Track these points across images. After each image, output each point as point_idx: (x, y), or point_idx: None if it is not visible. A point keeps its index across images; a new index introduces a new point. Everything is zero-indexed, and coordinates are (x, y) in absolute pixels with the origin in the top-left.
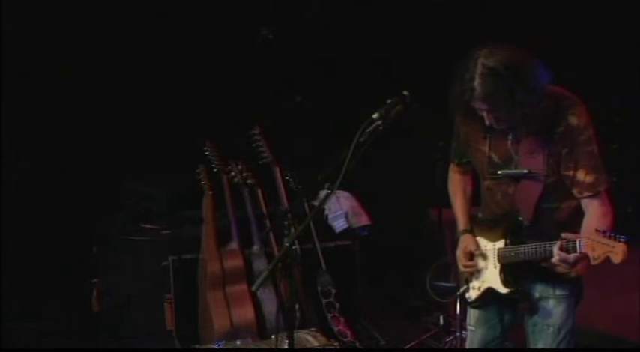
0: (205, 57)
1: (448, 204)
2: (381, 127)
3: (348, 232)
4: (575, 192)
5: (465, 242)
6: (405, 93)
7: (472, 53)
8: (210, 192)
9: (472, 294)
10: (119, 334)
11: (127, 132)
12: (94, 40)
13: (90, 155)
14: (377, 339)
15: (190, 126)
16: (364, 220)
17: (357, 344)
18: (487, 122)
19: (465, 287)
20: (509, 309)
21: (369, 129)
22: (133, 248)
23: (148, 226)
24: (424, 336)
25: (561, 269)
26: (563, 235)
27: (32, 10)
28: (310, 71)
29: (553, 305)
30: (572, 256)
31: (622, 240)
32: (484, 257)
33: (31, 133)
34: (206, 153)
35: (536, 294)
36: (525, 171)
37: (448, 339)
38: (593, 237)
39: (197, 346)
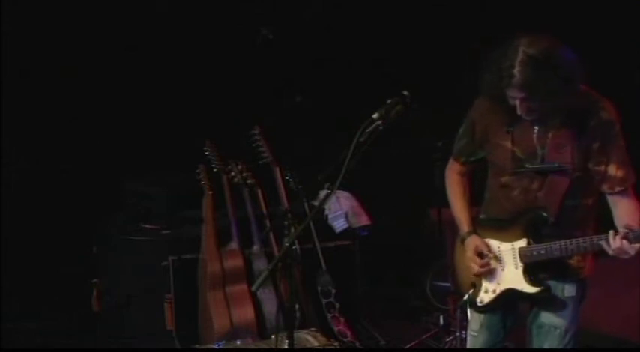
0: (205, 57)
1: (448, 204)
2: (381, 127)
3: (348, 232)
4: (605, 187)
5: (473, 243)
6: (405, 93)
7: (511, 41)
8: (210, 192)
9: (484, 298)
10: (119, 334)
11: (127, 132)
12: (94, 40)
13: (90, 155)
14: (377, 339)
15: (190, 126)
16: (364, 220)
17: (357, 344)
18: (518, 111)
19: (472, 291)
20: (512, 314)
21: (369, 129)
22: (133, 248)
23: (148, 226)
24: (424, 336)
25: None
26: (624, 225)
27: (32, 10)
28: (310, 71)
29: (561, 306)
30: (631, 248)
31: None
32: (497, 258)
33: (31, 133)
34: (206, 153)
35: (553, 300)
36: (556, 164)
37: (448, 339)
38: None
39: (197, 346)
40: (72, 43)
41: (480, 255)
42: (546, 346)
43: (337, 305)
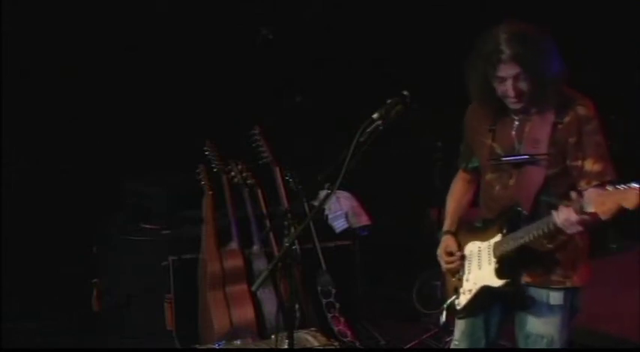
0: (205, 57)
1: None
2: (381, 127)
3: (348, 232)
4: (583, 183)
5: (445, 242)
6: (405, 93)
7: (489, 31)
8: (210, 192)
9: (462, 300)
10: (119, 334)
11: (126, 132)
12: (93, 40)
13: (90, 155)
14: (377, 339)
15: (190, 126)
16: (364, 220)
17: (357, 344)
18: (511, 93)
19: (455, 297)
20: (495, 324)
21: (369, 129)
22: (133, 248)
23: (148, 226)
24: (424, 336)
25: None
26: (571, 193)
27: (32, 10)
28: (310, 71)
29: (546, 314)
30: (582, 217)
31: (635, 185)
32: (475, 258)
33: (31, 133)
34: (206, 153)
35: (530, 302)
36: (527, 156)
37: (448, 339)
38: (601, 192)
39: (197, 346)
40: (72, 43)
41: (449, 254)
42: None
43: (337, 305)
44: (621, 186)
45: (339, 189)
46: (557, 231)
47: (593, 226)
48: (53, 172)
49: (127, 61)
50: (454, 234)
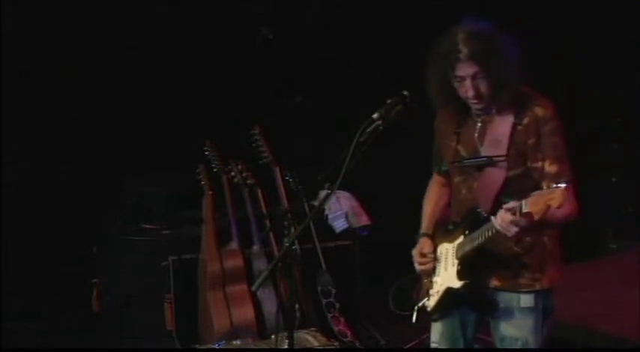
0: (205, 57)
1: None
2: (381, 127)
3: (348, 232)
4: (544, 185)
5: (421, 244)
6: (405, 93)
7: (448, 31)
8: (210, 192)
9: (431, 302)
10: (119, 334)
11: (126, 132)
12: (93, 40)
13: (90, 155)
14: (377, 339)
15: (190, 126)
16: (364, 220)
17: (357, 344)
18: (470, 93)
19: (426, 298)
20: (472, 323)
21: (369, 129)
22: (133, 248)
23: (147, 226)
24: (424, 336)
25: (511, 234)
26: (509, 202)
27: (32, 9)
28: (310, 71)
29: (519, 317)
30: (516, 218)
31: (561, 185)
32: (443, 260)
33: (31, 133)
34: (206, 153)
35: (501, 305)
36: (485, 158)
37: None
38: (534, 194)
39: (197, 346)
40: (72, 43)
41: (423, 255)
42: None
43: (337, 305)
44: (552, 187)
45: (339, 189)
46: (498, 233)
47: (529, 227)
48: (53, 172)
49: (126, 61)
50: (430, 236)
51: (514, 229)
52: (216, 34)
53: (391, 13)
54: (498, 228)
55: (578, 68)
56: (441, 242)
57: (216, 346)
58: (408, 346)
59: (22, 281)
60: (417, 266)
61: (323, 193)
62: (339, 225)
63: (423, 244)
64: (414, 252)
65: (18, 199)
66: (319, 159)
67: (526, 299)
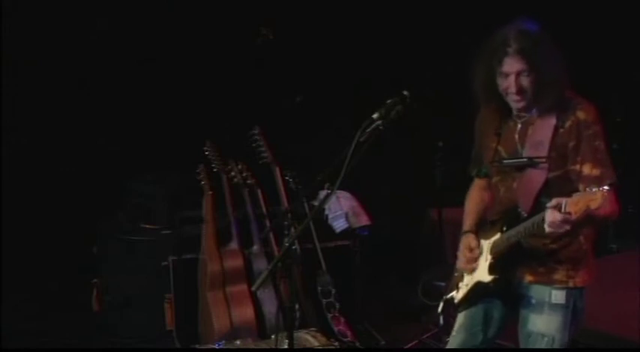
0: (205, 57)
1: (448, 205)
2: (381, 127)
3: (348, 232)
4: (581, 187)
5: (466, 240)
6: (405, 93)
7: (498, 30)
8: (210, 192)
9: (460, 294)
10: (119, 334)
11: (127, 132)
12: (93, 41)
13: (90, 155)
14: (377, 339)
15: (190, 126)
16: (364, 220)
17: (357, 344)
18: (513, 89)
19: (455, 291)
20: (495, 323)
21: (369, 129)
22: (132, 248)
23: (147, 226)
24: (424, 336)
25: (553, 237)
26: (555, 199)
27: (32, 9)
28: (310, 71)
29: (548, 313)
30: (560, 216)
31: (604, 188)
32: (481, 255)
33: (32, 133)
34: (206, 153)
35: (532, 300)
36: (526, 159)
37: (448, 339)
38: (576, 194)
39: (197, 346)
40: (72, 43)
41: (469, 251)
42: None
43: (337, 305)
44: (595, 189)
45: (339, 189)
46: (540, 230)
47: (580, 225)
48: (53, 172)
49: (126, 61)
50: (475, 232)
51: (566, 227)
52: (216, 34)
53: (391, 13)
54: (547, 228)
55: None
56: (480, 238)
57: (216, 346)
58: (408, 346)
59: (22, 281)
60: (462, 262)
61: (323, 193)
62: (339, 225)
63: (469, 239)
64: (460, 248)
65: (18, 199)
66: (319, 159)
67: (558, 295)
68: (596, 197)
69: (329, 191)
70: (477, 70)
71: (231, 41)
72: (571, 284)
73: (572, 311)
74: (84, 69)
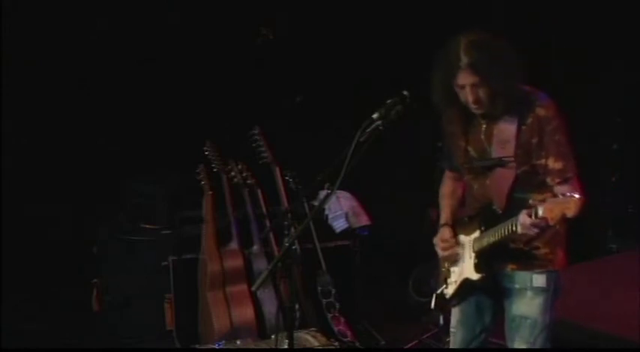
0: (205, 57)
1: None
2: (381, 127)
3: (348, 232)
4: (549, 180)
5: (442, 231)
6: (405, 93)
7: (450, 41)
8: (210, 192)
9: (450, 290)
10: (119, 334)
11: (127, 132)
12: (94, 41)
13: (90, 155)
14: (377, 339)
15: (190, 126)
16: (364, 220)
17: (357, 344)
18: (469, 100)
19: (444, 286)
20: (488, 310)
21: (369, 129)
22: (132, 248)
23: (147, 226)
24: (424, 336)
25: (530, 233)
26: (530, 202)
27: (32, 9)
28: (310, 71)
29: (531, 297)
30: (534, 220)
31: (576, 195)
32: (461, 251)
33: (32, 133)
34: (206, 153)
35: (516, 286)
36: (496, 159)
37: (448, 339)
38: (551, 200)
39: (197, 346)
40: (72, 43)
41: (445, 241)
42: (517, 338)
43: (337, 305)
44: (568, 196)
45: (339, 189)
46: (515, 232)
47: (546, 229)
48: (53, 172)
49: (126, 61)
50: (450, 225)
51: (535, 230)
52: (216, 34)
53: (391, 13)
54: (519, 229)
55: (576, 69)
56: (459, 233)
57: (216, 346)
58: (408, 346)
59: (22, 281)
60: (440, 252)
61: (323, 193)
62: (339, 225)
63: (444, 231)
64: (436, 240)
65: (18, 199)
66: (319, 159)
67: (539, 279)
68: (569, 205)
69: (329, 191)
70: (435, 80)
71: (231, 41)
72: (550, 268)
73: (553, 293)
74: (84, 69)
